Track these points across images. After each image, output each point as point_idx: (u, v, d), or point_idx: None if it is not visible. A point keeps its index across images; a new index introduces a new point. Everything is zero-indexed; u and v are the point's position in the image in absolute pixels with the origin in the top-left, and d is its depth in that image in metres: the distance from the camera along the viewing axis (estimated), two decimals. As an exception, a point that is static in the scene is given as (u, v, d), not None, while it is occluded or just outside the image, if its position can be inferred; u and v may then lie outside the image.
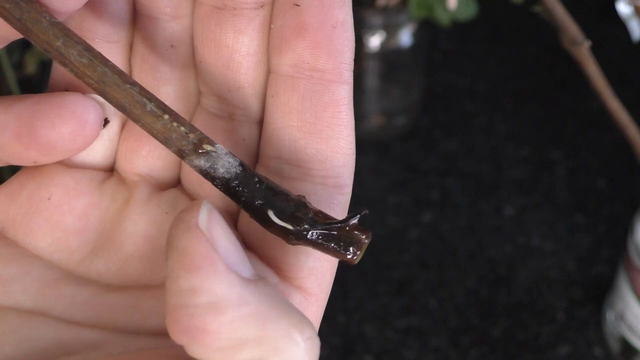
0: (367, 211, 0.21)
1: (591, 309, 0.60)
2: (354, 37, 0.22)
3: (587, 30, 0.45)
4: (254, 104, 0.23)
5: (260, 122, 0.23)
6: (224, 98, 0.23)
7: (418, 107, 0.72)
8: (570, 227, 0.64)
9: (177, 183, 0.24)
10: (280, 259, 0.22)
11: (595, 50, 0.45)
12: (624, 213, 0.63)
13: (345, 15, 0.21)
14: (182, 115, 0.23)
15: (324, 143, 0.22)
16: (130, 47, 0.23)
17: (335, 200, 0.22)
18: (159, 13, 0.23)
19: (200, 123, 0.23)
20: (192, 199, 0.23)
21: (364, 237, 0.21)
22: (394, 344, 0.58)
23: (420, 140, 0.71)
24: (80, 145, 0.21)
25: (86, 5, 0.22)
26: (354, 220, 0.21)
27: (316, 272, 0.23)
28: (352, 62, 0.22)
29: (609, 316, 0.57)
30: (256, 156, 0.23)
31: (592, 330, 0.58)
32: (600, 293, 0.60)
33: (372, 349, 0.58)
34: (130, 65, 0.23)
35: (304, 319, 0.18)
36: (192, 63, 0.23)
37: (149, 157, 0.23)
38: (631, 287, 0.52)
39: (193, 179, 0.23)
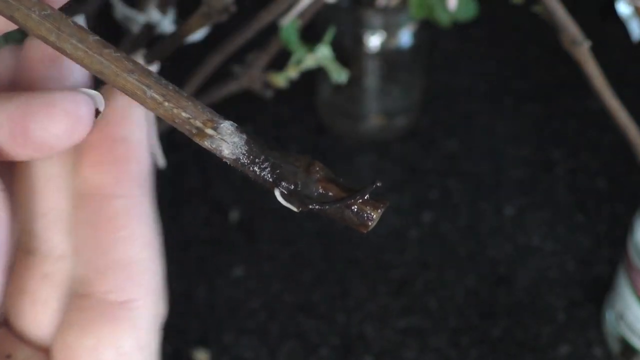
0: (380, 183, 0.21)
1: (591, 309, 0.60)
2: (140, 152, 0.22)
3: (587, 30, 0.45)
4: (55, 233, 0.23)
5: (61, 256, 0.23)
6: (28, 230, 0.23)
7: (418, 107, 0.71)
8: (570, 227, 0.64)
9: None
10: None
11: (595, 50, 0.45)
12: (624, 213, 0.63)
13: (127, 131, 0.21)
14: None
15: (103, 257, 0.21)
16: None
17: (116, 315, 0.21)
18: None
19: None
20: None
21: (376, 210, 0.21)
22: (394, 344, 0.58)
23: (420, 140, 0.71)
24: (76, 139, 0.21)
25: None
26: (365, 196, 0.20)
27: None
28: (138, 176, 0.22)
29: (609, 316, 0.57)
30: (61, 290, 0.23)
31: (592, 330, 0.58)
32: (600, 293, 0.59)
33: (372, 349, 0.58)
34: None
35: None
36: None
37: None
38: (631, 287, 0.52)
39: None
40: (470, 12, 0.53)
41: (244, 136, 0.20)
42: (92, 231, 0.21)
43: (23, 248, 0.23)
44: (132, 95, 0.20)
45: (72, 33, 0.20)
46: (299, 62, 0.49)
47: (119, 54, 0.20)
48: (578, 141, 0.70)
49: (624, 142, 0.49)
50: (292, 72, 0.49)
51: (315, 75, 0.64)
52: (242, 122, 0.21)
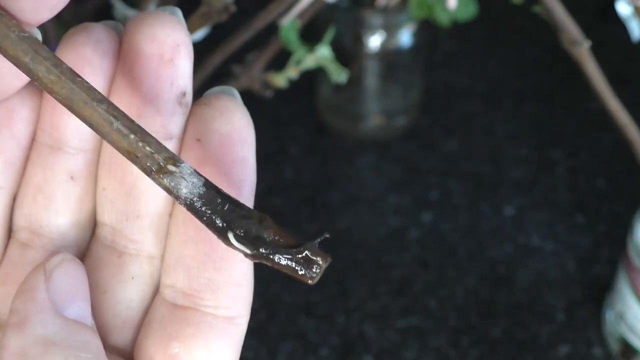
0: (328, 235, 0.21)
1: (591, 309, 0.60)
2: (254, 174, 0.23)
3: (587, 30, 0.45)
4: (148, 236, 0.23)
5: (151, 258, 0.23)
6: (119, 229, 0.23)
7: (418, 107, 0.72)
8: (570, 227, 0.64)
9: None
10: None
11: (595, 50, 0.45)
12: (624, 213, 0.63)
13: (245, 153, 0.22)
14: (73, 247, 0.23)
15: (217, 274, 0.22)
16: (21, 179, 0.23)
17: (225, 330, 0.22)
18: (64, 145, 0.23)
19: (94, 256, 0.24)
20: None
21: (321, 261, 0.21)
22: (394, 344, 0.58)
23: (420, 140, 0.71)
24: (58, 3, 0.20)
25: None
26: (314, 246, 0.21)
27: None
28: (251, 197, 0.23)
29: (609, 316, 0.57)
30: (146, 293, 0.23)
31: (592, 330, 0.58)
32: (600, 293, 0.60)
33: (372, 349, 0.58)
34: (16, 198, 0.23)
35: None
36: (90, 197, 0.23)
37: None
38: (631, 287, 0.52)
39: None
40: (470, 12, 0.53)
41: (202, 178, 0.21)
42: (208, 246, 0.22)
43: (110, 246, 0.23)
44: (98, 126, 0.20)
45: (47, 57, 0.20)
46: (299, 62, 0.49)
47: (90, 85, 0.20)
48: (578, 141, 0.70)
49: (624, 142, 0.49)
50: (292, 72, 0.50)
51: (315, 75, 0.64)
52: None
